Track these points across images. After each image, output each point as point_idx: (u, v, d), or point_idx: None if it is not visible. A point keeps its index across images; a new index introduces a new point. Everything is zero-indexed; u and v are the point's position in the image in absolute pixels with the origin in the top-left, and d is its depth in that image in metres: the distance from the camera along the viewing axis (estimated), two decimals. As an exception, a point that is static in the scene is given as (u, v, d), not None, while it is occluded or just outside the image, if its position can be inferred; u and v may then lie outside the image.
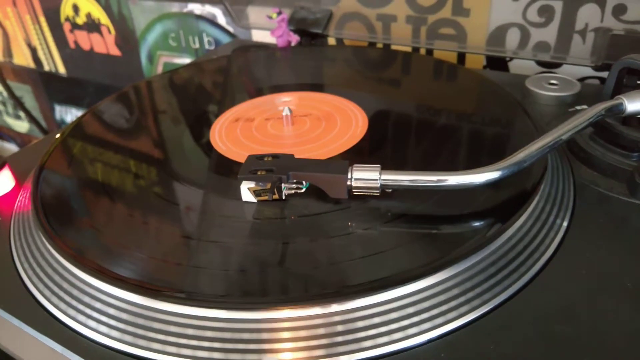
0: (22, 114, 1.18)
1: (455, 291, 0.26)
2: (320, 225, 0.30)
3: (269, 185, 0.31)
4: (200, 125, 0.44)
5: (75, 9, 0.89)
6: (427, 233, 0.29)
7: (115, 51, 0.90)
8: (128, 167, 0.39)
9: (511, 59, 0.60)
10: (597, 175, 0.36)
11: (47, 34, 0.97)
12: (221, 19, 0.75)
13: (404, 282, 0.25)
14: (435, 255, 0.27)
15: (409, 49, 0.63)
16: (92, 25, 0.89)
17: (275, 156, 0.32)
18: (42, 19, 0.96)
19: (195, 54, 0.81)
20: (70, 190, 0.37)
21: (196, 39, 0.79)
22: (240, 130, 0.41)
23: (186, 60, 0.82)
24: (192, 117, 0.46)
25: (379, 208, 0.31)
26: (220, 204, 0.33)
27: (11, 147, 1.30)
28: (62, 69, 1.00)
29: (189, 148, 0.41)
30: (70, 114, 1.08)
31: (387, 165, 0.30)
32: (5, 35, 1.06)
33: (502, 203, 0.31)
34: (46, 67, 1.03)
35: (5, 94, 1.17)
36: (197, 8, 0.76)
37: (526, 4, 0.53)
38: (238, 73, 0.55)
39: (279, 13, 0.57)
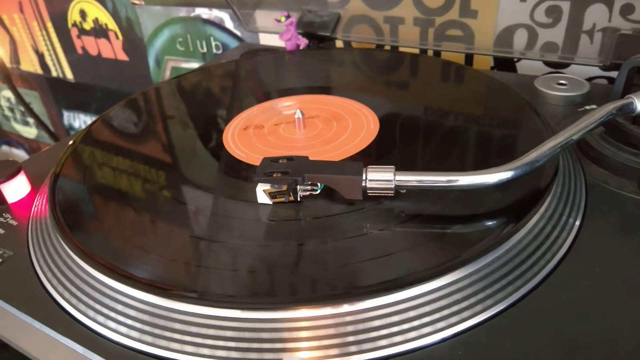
0: (30, 120, 1.19)
1: (470, 290, 0.26)
2: (335, 226, 0.30)
3: (284, 187, 0.31)
4: (212, 128, 0.44)
5: (83, 14, 0.90)
6: (441, 233, 0.30)
7: (123, 56, 0.91)
8: (145, 172, 0.39)
9: (519, 59, 0.60)
10: (607, 174, 0.36)
11: (55, 40, 0.98)
12: (229, 23, 0.76)
13: (419, 282, 0.26)
14: (450, 255, 0.27)
15: (416, 51, 0.64)
16: (100, 31, 0.90)
17: (289, 158, 0.32)
18: (49, 25, 0.97)
19: (203, 58, 0.82)
20: (87, 195, 0.37)
21: (204, 43, 0.80)
22: (253, 133, 0.42)
23: (194, 64, 0.83)
24: (205, 122, 0.46)
25: (393, 209, 0.31)
26: (236, 207, 0.33)
27: (19, 153, 1.31)
28: (69, 75, 1.01)
29: (202, 153, 0.42)
30: (78, 120, 1.09)
31: (400, 166, 0.31)
32: (13, 42, 1.06)
33: (514, 203, 0.31)
34: (54, 73, 1.04)
35: (13, 100, 1.18)
36: (204, 12, 0.77)
37: (534, 5, 0.53)
38: (248, 77, 0.56)
39: (288, 17, 0.58)
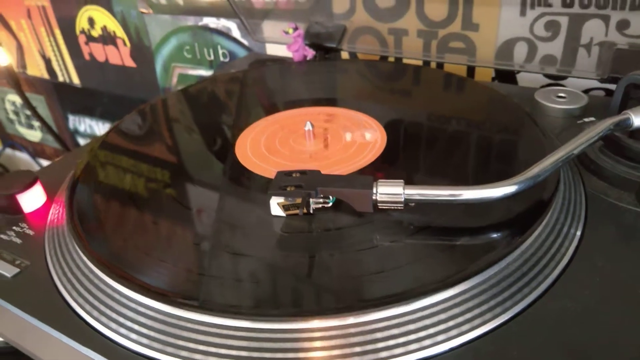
0: (35, 123, 1.21)
1: (477, 300, 0.28)
2: (345, 238, 0.32)
3: (298, 200, 0.32)
4: (224, 138, 0.46)
5: (91, 21, 0.92)
6: (448, 245, 0.31)
7: (130, 63, 0.92)
8: (160, 182, 0.41)
9: (519, 71, 0.62)
10: (606, 186, 0.37)
11: (62, 46, 0.99)
12: (235, 32, 0.77)
13: (426, 294, 0.27)
14: (458, 267, 0.29)
15: (419, 63, 0.65)
16: (108, 38, 0.91)
17: (302, 172, 0.34)
18: (57, 31, 0.98)
19: (210, 66, 0.83)
20: (104, 205, 0.39)
21: (211, 51, 0.81)
22: (264, 144, 0.43)
23: (201, 71, 0.84)
24: (216, 131, 0.48)
25: (402, 221, 0.33)
26: (248, 218, 0.35)
27: (23, 156, 1.33)
28: (76, 80, 1.03)
29: (214, 163, 0.43)
30: (83, 124, 1.10)
31: (407, 178, 0.32)
32: (19, 47, 1.08)
33: (518, 214, 0.33)
34: (60, 78, 1.06)
35: (18, 103, 1.20)
36: (212, 22, 0.78)
37: (533, 19, 0.55)
38: (258, 87, 0.57)
39: (295, 28, 0.60)
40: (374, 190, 0.32)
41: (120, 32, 0.89)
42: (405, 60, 0.66)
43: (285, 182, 0.33)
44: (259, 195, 0.37)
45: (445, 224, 0.33)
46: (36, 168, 1.29)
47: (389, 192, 0.32)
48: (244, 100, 0.55)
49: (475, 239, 0.31)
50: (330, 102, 0.51)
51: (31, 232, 0.38)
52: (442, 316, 0.27)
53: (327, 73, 0.59)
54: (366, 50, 0.66)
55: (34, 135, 1.24)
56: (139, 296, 0.29)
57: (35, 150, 1.28)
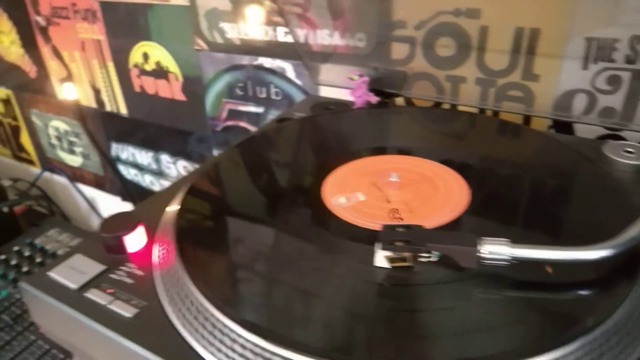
0: (77, 149, 1.24)
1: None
2: (442, 292, 0.34)
3: (407, 255, 0.34)
4: (311, 183, 0.48)
5: (145, 56, 0.95)
6: (549, 302, 0.33)
7: (180, 97, 0.95)
8: (258, 219, 0.43)
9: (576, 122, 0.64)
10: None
11: (113, 78, 1.03)
12: (290, 73, 0.80)
13: (533, 355, 0.28)
14: (562, 327, 0.30)
15: (475, 110, 0.68)
16: (160, 72, 0.95)
17: (407, 227, 0.36)
18: (110, 64, 1.02)
19: (261, 103, 0.86)
20: (211, 242, 0.41)
21: (264, 90, 0.84)
22: (349, 191, 0.45)
23: (252, 108, 0.87)
24: (302, 174, 0.50)
25: (502, 275, 0.34)
26: (349, 267, 0.37)
27: (61, 180, 1.35)
28: (123, 110, 1.06)
29: (303, 209, 0.45)
30: (126, 152, 1.13)
31: (496, 231, 0.34)
32: (69, 77, 1.11)
33: (614, 276, 0.34)
34: (108, 108, 1.09)
35: (62, 130, 1.23)
36: (267, 62, 0.81)
37: (595, 73, 0.57)
38: (334, 132, 0.59)
39: (361, 75, 0.62)
40: (479, 248, 0.34)
41: (173, 68, 0.93)
42: (460, 108, 0.68)
43: (392, 236, 0.35)
44: (356, 245, 0.39)
45: (544, 280, 0.34)
46: (74, 192, 1.32)
47: (494, 250, 0.33)
48: (323, 144, 0.57)
49: (575, 297, 0.33)
50: (407, 150, 0.53)
51: (139, 272, 0.40)
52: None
53: (397, 120, 0.61)
54: (422, 96, 0.68)
55: (75, 160, 1.27)
56: (258, 339, 0.31)
57: (75, 175, 1.30)
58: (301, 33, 0.76)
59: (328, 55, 0.72)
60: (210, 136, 0.96)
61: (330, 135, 0.59)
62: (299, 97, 0.82)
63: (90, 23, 0.99)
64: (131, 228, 0.42)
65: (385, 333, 0.31)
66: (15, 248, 1.08)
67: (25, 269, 1.02)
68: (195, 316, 0.35)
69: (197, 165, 1.02)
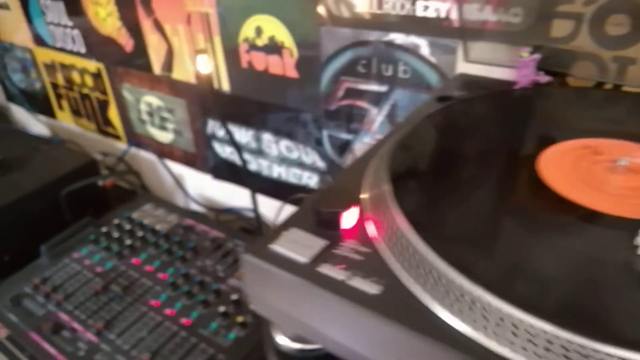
0: (168, 125, 1.23)
1: None
2: None
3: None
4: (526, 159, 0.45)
5: (258, 31, 0.93)
6: None
7: (292, 74, 0.93)
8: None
9: None
10: None
11: (219, 53, 1.01)
12: (424, 50, 0.77)
13: None
14: None
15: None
16: (274, 48, 0.93)
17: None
18: (217, 38, 1.00)
19: (384, 82, 0.83)
20: (441, 210, 0.39)
21: (390, 67, 0.81)
22: (572, 173, 0.42)
23: (373, 87, 0.84)
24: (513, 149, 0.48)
25: None
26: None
27: (146, 155, 1.36)
28: (226, 87, 1.04)
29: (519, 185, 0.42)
30: (223, 129, 1.12)
31: None
32: (169, 51, 1.10)
33: None
34: (209, 84, 1.08)
35: (154, 105, 1.23)
36: (399, 37, 0.78)
37: None
38: (536, 110, 0.57)
39: (532, 52, 0.58)
40: None
41: (289, 43, 0.90)
42: (624, 89, 0.64)
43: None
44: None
45: None
46: (160, 168, 1.32)
47: None
48: (530, 120, 0.54)
49: None
50: (616, 134, 0.49)
51: (364, 249, 0.38)
52: None
53: (596, 104, 0.58)
54: (587, 76, 0.64)
55: (165, 136, 1.27)
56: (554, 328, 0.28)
57: (163, 152, 1.30)
58: (443, 7, 0.72)
59: (478, 33, 0.68)
60: (321, 115, 0.94)
61: (533, 112, 0.57)
62: (429, 75, 0.78)
63: (198, -4, 0.98)
64: (347, 204, 0.40)
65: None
66: (116, 221, 1.09)
67: (128, 242, 1.02)
68: (447, 290, 0.32)
69: (300, 145, 1.00)
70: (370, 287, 0.34)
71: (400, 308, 0.33)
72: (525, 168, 0.44)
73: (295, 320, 0.38)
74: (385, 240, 0.38)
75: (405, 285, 0.35)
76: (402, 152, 0.46)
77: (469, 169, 0.46)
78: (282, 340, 0.43)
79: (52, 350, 0.82)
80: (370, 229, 0.40)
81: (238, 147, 0.86)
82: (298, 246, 0.38)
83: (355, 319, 0.34)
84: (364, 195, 0.43)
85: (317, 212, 0.40)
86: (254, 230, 1.15)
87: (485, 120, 0.55)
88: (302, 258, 0.37)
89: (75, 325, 0.86)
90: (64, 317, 0.88)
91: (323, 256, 0.37)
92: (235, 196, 1.22)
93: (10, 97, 1.78)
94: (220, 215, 1.24)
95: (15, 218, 1.12)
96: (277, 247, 0.38)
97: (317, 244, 0.38)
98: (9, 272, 1.01)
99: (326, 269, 0.36)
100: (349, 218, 0.40)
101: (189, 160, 1.26)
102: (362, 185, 0.45)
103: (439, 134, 0.52)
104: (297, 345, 0.42)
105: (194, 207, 1.29)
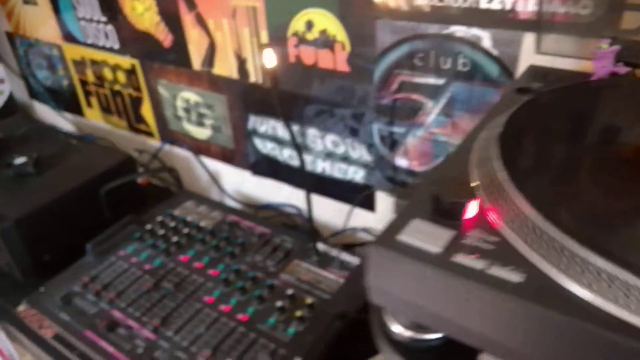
0: (206, 121, 1.23)
1: None
2: None
3: None
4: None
5: (309, 25, 0.92)
6: None
7: (343, 68, 0.92)
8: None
9: None
10: None
11: (265, 48, 1.00)
12: (486, 42, 0.76)
13: None
14: None
15: None
16: (325, 42, 0.92)
17: None
18: (263, 32, 0.99)
19: (443, 75, 0.82)
20: (561, 191, 0.39)
21: (449, 60, 0.81)
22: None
23: (430, 80, 0.84)
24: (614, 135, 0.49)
25: None
26: None
27: (181, 152, 1.35)
28: (269, 82, 1.04)
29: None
30: (266, 124, 1.11)
31: None
32: (211, 46, 1.10)
33: None
34: (252, 79, 1.07)
35: (192, 101, 1.22)
36: (460, 30, 0.77)
37: None
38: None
39: (611, 44, 0.58)
40: None
41: (341, 36, 0.90)
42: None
43: None
44: None
45: None
46: (195, 165, 1.32)
47: None
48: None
49: None
50: None
51: (492, 238, 0.38)
52: None
53: None
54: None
55: (203, 132, 1.26)
56: None
57: (199, 148, 1.30)
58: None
59: (551, 24, 0.67)
60: (372, 109, 0.94)
61: (622, 103, 0.57)
62: (490, 68, 0.78)
63: (245, -10, 0.97)
64: (468, 194, 0.40)
65: None
66: (159, 219, 1.08)
67: (174, 239, 1.01)
68: (582, 270, 0.32)
69: (348, 140, 1.00)
70: (512, 275, 0.34)
71: (544, 293, 0.33)
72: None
73: (422, 310, 0.38)
74: (510, 226, 0.38)
75: (543, 271, 0.34)
76: (509, 139, 0.45)
77: (576, 152, 0.47)
78: (398, 329, 0.42)
79: (110, 348, 0.81)
80: (492, 217, 0.39)
81: (299, 147, 0.85)
82: (425, 236, 0.38)
83: (498, 307, 0.34)
84: (474, 184, 0.43)
85: (439, 202, 0.39)
86: (297, 227, 1.15)
87: (578, 108, 0.54)
88: (434, 248, 0.36)
89: (131, 322, 0.85)
90: (117, 314, 0.87)
91: (453, 246, 0.37)
92: (272, 192, 1.21)
93: (33, 95, 1.77)
94: (259, 212, 1.23)
95: (54, 217, 1.10)
96: (406, 238, 0.38)
97: (445, 234, 0.38)
98: (51, 271, 1.00)
99: (461, 259, 0.36)
100: (471, 208, 0.40)
101: (227, 157, 1.25)
102: (469, 174, 0.44)
103: (538, 121, 0.51)
104: (413, 335, 0.42)
105: (230, 203, 1.29)
